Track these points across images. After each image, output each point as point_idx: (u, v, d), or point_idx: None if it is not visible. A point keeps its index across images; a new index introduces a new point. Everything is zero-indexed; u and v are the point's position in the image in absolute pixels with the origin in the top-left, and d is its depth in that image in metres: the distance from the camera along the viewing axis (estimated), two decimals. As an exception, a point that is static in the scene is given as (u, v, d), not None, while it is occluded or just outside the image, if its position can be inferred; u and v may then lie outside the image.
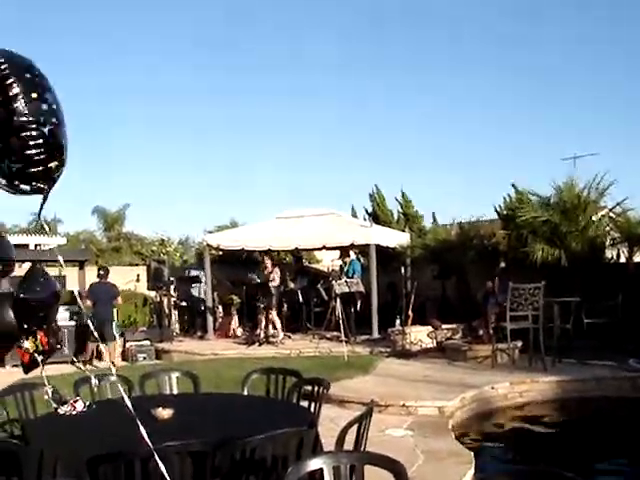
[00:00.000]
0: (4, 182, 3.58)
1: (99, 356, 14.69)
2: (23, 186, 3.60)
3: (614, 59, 46.09)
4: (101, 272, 15.08)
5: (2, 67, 3.41)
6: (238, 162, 55.84)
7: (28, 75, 3.50)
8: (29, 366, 5.16)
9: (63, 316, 14.66)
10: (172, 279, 18.16)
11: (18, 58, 3.52)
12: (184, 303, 19.04)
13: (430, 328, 14.24)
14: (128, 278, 18.03)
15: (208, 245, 17.69)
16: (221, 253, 20.01)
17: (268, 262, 16.08)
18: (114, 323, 14.68)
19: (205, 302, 17.62)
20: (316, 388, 5.50)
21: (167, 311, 17.96)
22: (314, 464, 3.29)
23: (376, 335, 15.35)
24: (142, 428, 3.56)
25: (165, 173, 56.99)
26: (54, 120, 3.56)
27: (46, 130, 3.51)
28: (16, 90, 3.41)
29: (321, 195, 51.91)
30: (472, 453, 7.05)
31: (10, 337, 4.87)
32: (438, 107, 51.81)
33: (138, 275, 18.85)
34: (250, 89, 53.46)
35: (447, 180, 51.72)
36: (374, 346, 14.28)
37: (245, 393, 6.09)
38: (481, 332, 13.04)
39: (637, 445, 8.29)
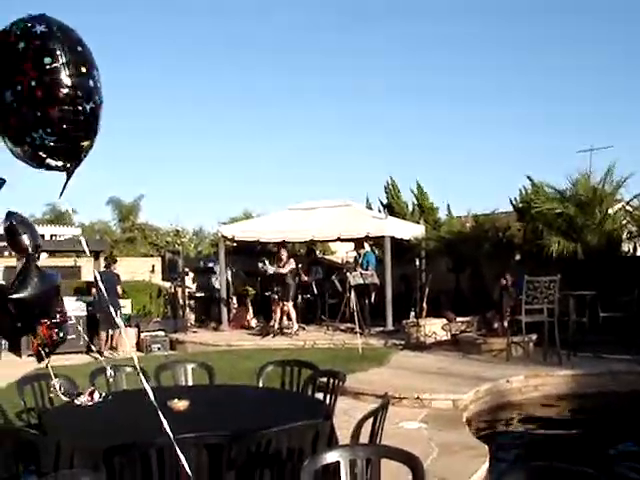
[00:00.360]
0: (30, 153, 3.47)
1: (111, 345, 14.80)
2: (50, 160, 3.50)
3: (631, 51, 45.63)
4: (107, 261, 15.30)
5: (56, 35, 3.32)
6: (252, 153, 55.71)
7: (79, 48, 3.42)
8: (38, 356, 5.20)
9: (76, 306, 14.80)
10: (186, 270, 18.21)
11: (71, 31, 3.43)
12: (200, 294, 19.08)
13: (444, 321, 14.21)
14: (142, 269, 18.09)
15: (223, 236, 17.70)
16: (235, 244, 20.04)
17: (284, 253, 16.08)
18: (118, 312, 14.74)
19: (220, 293, 17.65)
20: (332, 380, 5.50)
21: (181, 302, 18.01)
22: (331, 457, 3.29)
23: (390, 327, 15.33)
24: (163, 417, 3.57)
25: (179, 164, 56.94)
26: (97, 99, 3.49)
27: (88, 108, 3.43)
28: (64, 60, 3.32)
29: (336, 186, 51.80)
30: (487, 446, 7.03)
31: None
32: (453, 99, 51.55)
33: (153, 266, 18.90)
34: (265, 83, 53.30)
35: (463, 172, 51.49)
36: (388, 338, 14.27)
37: (260, 385, 6.10)
38: (496, 325, 13.00)
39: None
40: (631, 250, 14.67)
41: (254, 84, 53.39)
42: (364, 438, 4.40)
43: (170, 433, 3.54)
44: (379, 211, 20.79)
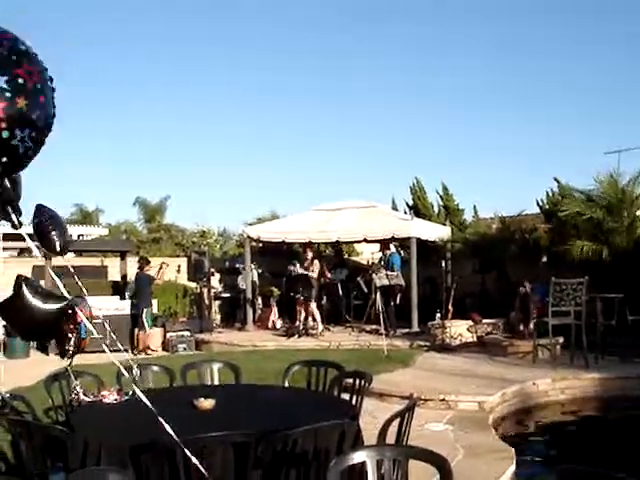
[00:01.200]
0: None
1: (137, 345, 14.91)
2: None
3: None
4: (140, 262, 15.48)
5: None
6: (278, 155, 55.86)
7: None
8: (62, 353, 5.22)
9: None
10: (212, 270, 18.28)
11: None
12: (225, 294, 19.15)
13: (470, 322, 14.16)
14: (169, 269, 18.16)
15: (248, 237, 17.74)
16: (261, 245, 20.08)
17: (309, 254, 16.10)
18: (144, 312, 14.87)
19: (246, 293, 17.68)
20: (358, 381, 5.49)
21: (207, 302, 18.08)
22: (357, 457, 3.28)
23: (416, 329, 15.28)
24: (164, 422, 3.61)
25: (206, 166, 57.16)
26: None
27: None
28: None
29: (362, 187, 51.74)
30: (513, 449, 6.98)
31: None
32: (481, 100, 51.31)
33: (179, 266, 18.98)
34: (294, 83, 53.38)
35: (489, 173, 51.23)
36: (413, 340, 14.23)
37: (286, 385, 6.11)
38: (521, 327, 12.93)
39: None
40: (660, 253, 14.50)
41: (283, 85, 53.46)
42: (390, 439, 4.39)
43: (173, 434, 3.57)
44: (405, 212, 20.71)
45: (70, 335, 4.97)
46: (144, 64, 52.01)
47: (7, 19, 3.43)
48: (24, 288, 4.57)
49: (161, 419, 3.66)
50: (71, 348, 4.90)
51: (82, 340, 5.15)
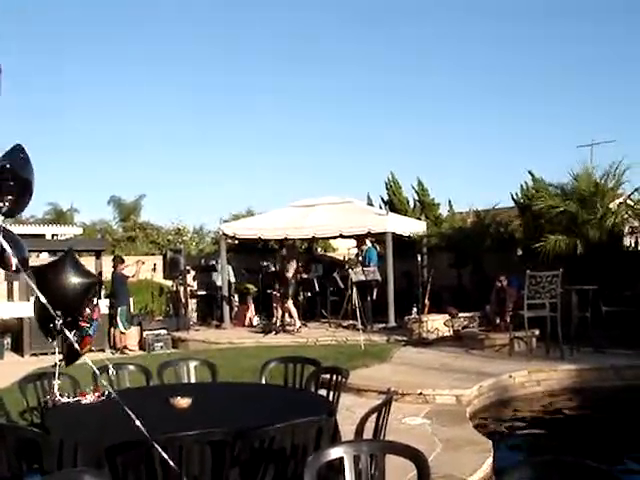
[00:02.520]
0: None
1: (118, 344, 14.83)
2: None
3: (632, 44, 45.61)
4: (114, 262, 15.42)
5: None
6: (254, 150, 55.77)
7: None
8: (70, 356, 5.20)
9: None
10: (188, 268, 18.20)
11: None
12: (202, 292, 19.08)
13: (447, 316, 14.21)
14: (144, 267, 18.03)
15: (224, 234, 17.68)
16: (237, 242, 20.01)
17: (284, 251, 16.07)
18: (120, 310, 14.81)
19: (222, 291, 17.62)
20: (334, 377, 5.48)
21: (184, 300, 18.00)
22: (335, 453, 3.27)
23: (392, 323, 15.31)
24: (138, 421, 3.60)
25: (181, 162, 56.96)
26: None
27: None
28: None
29: (337, 183, 51.81)
30: (490, 442, 7.03)
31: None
32: (454, 94, 51.56)
33: (155, 264, 18.86)
34: (266, 83, 53.31)
35: (464, 167, 51.48)
36: (390, 334, 14.26)
37: (263, 382, 6.09)
38: (497, 320, 12.99)
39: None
40: (633, 244, 14.63)
41: (256, 83, 53.42)
42: (367, 434, 4.39)
43: (145, 433, 3.56)
44: (380, 208, 20.75)
45: (84, 325, 4.98)
46: (120, 64, 51.71)
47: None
48: (67, 257, 4.92)
49: (135, 418, 3.63)
50: (74, 342, 4.88)
51: (89, 337, 5.13)
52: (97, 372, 5.55)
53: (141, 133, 56.58)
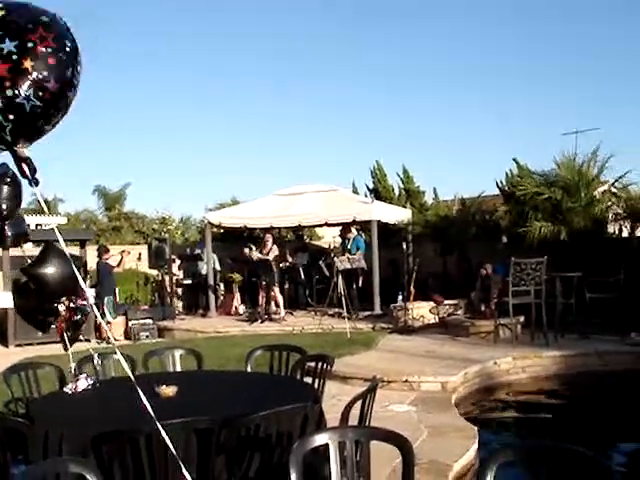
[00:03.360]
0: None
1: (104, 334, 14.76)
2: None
3: (616, 33, 45.73)
4: (98, 251, 15.36)
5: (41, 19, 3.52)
6: (239, 139, 55.57)
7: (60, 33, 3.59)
8: (64, 342, 5.21)
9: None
10: (173, 257, 18.16)
11: (56, 17, 3.63)
12: (188, 281, 19.04)
13: (432, 304, 14.26)
14: (129, 257, 17.98)
15: (209, 223, 17.64)
16: (222, 231, 19.99)
17: (269, 239, 16.04)
18: (106, 300, 14.78)
19: (207, 280, 17.60)
20: (320, 364, 5.49)
21: (169, 289, 17.97)
22: (320, 439, 3.28)
23: (378, 311, 15.35)
24: (146, 402, 3.58)
25: (166, 151, 56.68)
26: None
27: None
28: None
29: (323, 171, 51.76)
30: (476, 428, 7.06)
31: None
32: (439, 82, 51.55)
33: (140, 254, 18.82)
34: (251, 68, 53.10)
35: (450, 155, 51.52)
36: (376, 322, 14.30)
37: (249, 370, 6.09)
38: (483, 308, 13.04)
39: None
40: (617, 232, 14.71)
41: (241, 70, 53.20)
42: (353, 421, 4.40)
43: (155, 419, 3.54)
44: (365, 196, 20.77)
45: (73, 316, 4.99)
46: (110, 50, 51.31)
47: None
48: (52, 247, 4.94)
49: (144, 399, 3.62)
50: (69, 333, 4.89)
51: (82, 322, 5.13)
52: (98, 360, 5.58)
53: (126, 122, 56.19)
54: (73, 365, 5.29)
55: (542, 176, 14.71)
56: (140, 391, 3.65)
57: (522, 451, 3.08)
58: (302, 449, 3.18)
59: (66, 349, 5.26)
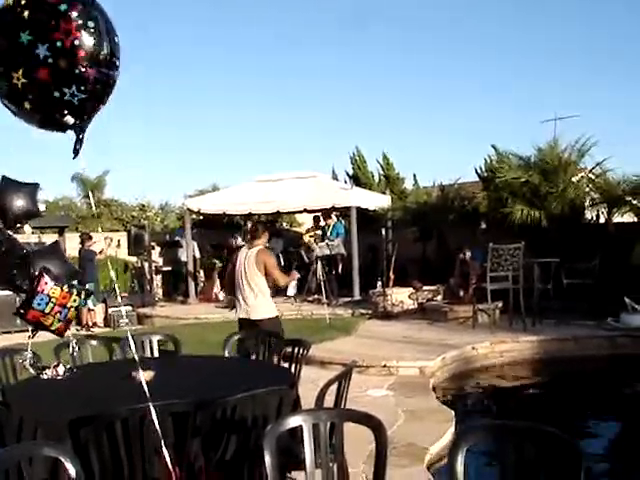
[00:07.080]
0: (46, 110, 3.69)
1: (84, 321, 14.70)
2: (69, 118, 3.78)
3: (600, 21, 45.88)
4: (81, 238, 15.26)
5: (95, 3, 3.71)
6: (218, 125, 55.29)
7: (110, 19, 3.79)
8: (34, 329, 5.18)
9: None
10: (153, 244, 18.10)
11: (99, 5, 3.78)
12: (167, 268, 19.00)
13: (411, 289, 14.32)
14: (108, 244, 17.91)
15: (189, 209, 17.60)
16: (202, 217, 19.93)
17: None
18: (88, 286, 14.72)
19: (187, 266, 17.58)
20: (297, 349, 5.51)
21: (148, 276, 17.92)
22: (294, 421, 3.30)
23: (357, 297, 15.41)
24: (142, 376, 3.62)
25: (145, 137, 56.29)
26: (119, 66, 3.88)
27: (115, 74, 3.86)
28: (104, 27, 3.72)
29: (302, 157, 51.68)
30: (453, 412, 7.13)
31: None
32: (419, 68, 51.50)
33: (119, 241, 18.74)
34: (228, 55, 52.91)
35: (429, 142, 51.51)
36: (355, 308, 14.35)
37: (226, 355, 6.09)
38: (461, 293, 13.11)
39: (615, 400, 8.45)
40: (594, 217, 14.80)
41: (221, 57, 52.95)
42: (329, 405, 4.42)
43: (147, 391, 3.59)
44: (345, 182, 20.79)
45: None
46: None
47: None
48: None
49: (143, 380, 3.65)
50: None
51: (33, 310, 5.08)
52: (75, 346, 5.54)
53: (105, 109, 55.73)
54: (29, 355, 5.25)
55: (521, 159, 14.75)
56: (141, 370, 3.86)
57: (493, 430, 3.12)
58: (276, 431, 3.20)
59: (31, 337, 5.21)
